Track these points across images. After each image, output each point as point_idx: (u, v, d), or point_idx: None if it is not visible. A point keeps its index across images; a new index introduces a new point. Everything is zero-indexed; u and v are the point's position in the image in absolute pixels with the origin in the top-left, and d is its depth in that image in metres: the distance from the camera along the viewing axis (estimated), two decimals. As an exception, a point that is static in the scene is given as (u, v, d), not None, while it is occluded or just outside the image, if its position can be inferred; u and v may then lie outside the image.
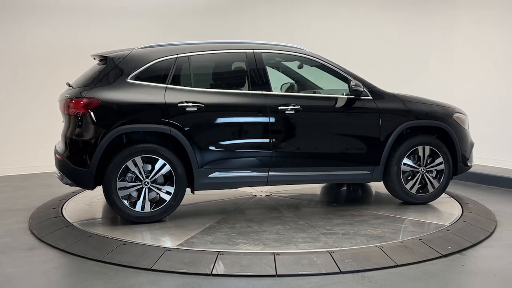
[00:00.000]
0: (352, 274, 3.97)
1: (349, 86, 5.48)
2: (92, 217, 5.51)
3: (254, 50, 5.48)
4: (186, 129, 5.05)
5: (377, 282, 3.82)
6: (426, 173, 5.72)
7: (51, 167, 5.43)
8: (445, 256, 4.36)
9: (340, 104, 5.51)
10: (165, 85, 5.12)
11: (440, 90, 8.05)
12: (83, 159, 4.94)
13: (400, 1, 8.75)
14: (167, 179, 5.10)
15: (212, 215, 5.45)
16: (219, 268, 4.01)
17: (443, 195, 5.98)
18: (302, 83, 6.24)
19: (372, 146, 5.55)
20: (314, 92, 6.04)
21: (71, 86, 5.29)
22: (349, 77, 5.57)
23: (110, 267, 4.12)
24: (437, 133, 5.85)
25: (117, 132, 4.92)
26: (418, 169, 5.69)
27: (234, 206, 5.86)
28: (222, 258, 4.12)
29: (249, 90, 5.37)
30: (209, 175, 5.18)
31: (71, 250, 4.48)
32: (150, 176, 5.03)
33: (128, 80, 5.07)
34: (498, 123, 7.74)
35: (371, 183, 6.22)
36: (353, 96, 5.50)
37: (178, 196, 5.11)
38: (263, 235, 4.71)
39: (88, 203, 6.05)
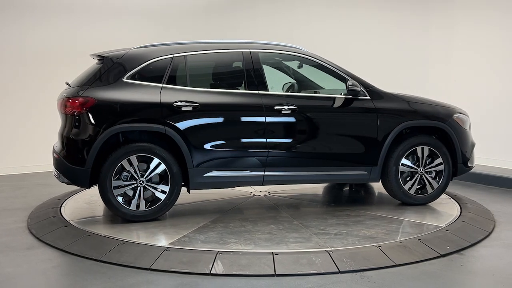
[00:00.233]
0: (350, 274, 3.97)
1: (346, 86, 5.48)
2: (91, 216, 5.50)
3: (251, 50, 5.48)
4: (181, 128, 5.07)
5: (376, 282, 3.82)
6: (425, 174, 5.70)
7: (50, 166, 5.43)
8: (444, 256, 4.36)
9: (337, 104, 5.51)
10: (161, 85, 5.14)
11: (439, 90, 8.05)
12: (78, 158, 4.99)
13: (400, 1, 8.76)
14: (163, 178, 5.13)
15: (208, 214, 5.46)
16: (218, 268, 4.01)
17: (442, 195, 5.97)
18: (302, 83, 6.25)
19: (369, 146, 5.54)
20: (315, 92, 6.04)
21: (70, 86, 5.31)
22: (346, 77, 5.56)
23: (109, 267, 4.12)
24: (437, 134, 5.84)
25: (112, 131, 4.96)
26: (417, 169, 5.67)
27: (231, 205, 5.86)
28: (220, 258, 4.13)
29: (245, 90, 5.37)
30: (205, 175, 5.19)
31: (69, 249, 4.48)
32: (145, 175, 5.06)
33: (124, 80, 5.11)
34: (496, 122, 7.74)
35: (373, 183, 6.21)
36: (350, 96, 5.50)
37: (173, 195, 5.13)
38: (255, 235, 4.72)
39: (87, 202, 6.04)
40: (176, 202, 5.31)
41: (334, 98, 5.55)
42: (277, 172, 5.37)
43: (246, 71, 5.40)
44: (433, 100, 5.97)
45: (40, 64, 8.50)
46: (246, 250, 4.30)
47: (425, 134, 5.75)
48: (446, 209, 5.70)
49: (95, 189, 5.27)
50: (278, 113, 5.29)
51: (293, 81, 6.27)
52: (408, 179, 5.69)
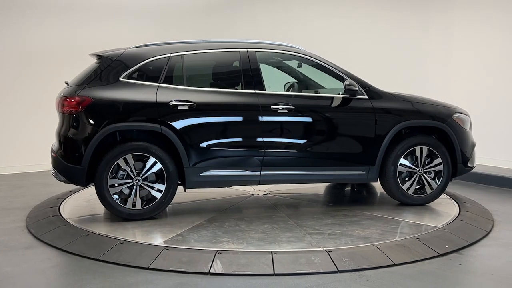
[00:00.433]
0: (349, 273, 3.97)
1: (343, 85, 5.47)
2: (90, 215, 5.49)
3: (248, 49, 5.48)
4: (177, 127, 5.08)
5: (375, 281, 3.82)
6: (423, 174, 5.67)
7: (48, 166, 5.44)
8: (443, 255, 4.36)
9: (334, 103, 5.50)
10: (157, 84, 5.16)
11: (438, 90, 8.06)
12: (75, 157, 5.03)
13: (399, 1, 8.76)
14: (159, 177, 5.15)
15: (204, 213, 5.47)
16: (217, 267, 4.01)
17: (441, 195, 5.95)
18: (303, 82, 6.24)
19: (367, 146, 5.52)
20: (316, 92, 6.03)
21: (69, 85, 5.32)
22: (344, 76, 5.55)
23: (108, 266, 4.12)
24: (437, 134, 5.82)
25: (108, 130, 4.98)
26: (416, 170, 5.65)
27: (228, 204, 5.86)
28: (219, 257, 4.13)
29: (242, 89, 5.37)
30: (201, 174, 5.20)
31: (68, 249, 4.48)
32: (141, 174, 5.08)
33: (121, 79, 5.14)
34: (495, 122, 7.75)
35: (376, 183, 6.19)
36: (348, 96, 5.49)
37: (169, 194, 5.15)
38: (249, 234, 4.72)
39: (87, 201, 6.04)
40: (175, 201, 5.31)
41: (332, 98, 5.54)
42: (273, 171, 5.37)
43: (243, 71, 5.40)
44: (433, 99, 5.95)
45: (40, 64, 8.49)
46: (244, 250, 4.30)
47: (425, 134, 5.72)
48: (445, 208, 5.70)
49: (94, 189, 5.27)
50: (275, 113, 5.29)
51: (294, 80, 6.26)
52: (407, 179, 5.66)
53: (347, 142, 5.53)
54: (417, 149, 5.63)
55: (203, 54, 5.48)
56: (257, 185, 5.48)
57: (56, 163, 5.22)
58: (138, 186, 5.09)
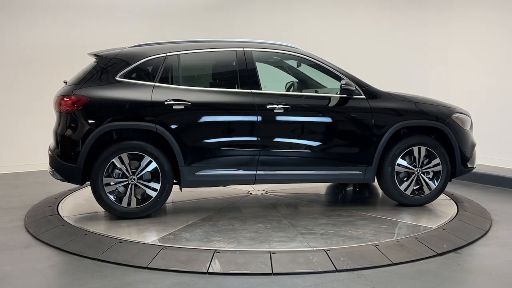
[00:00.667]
0: (347, 273, 3.97)
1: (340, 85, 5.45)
2: (88, 215, 5.49)
3: (245, 49, 5.48)
4: (172, 127, 5.09)
5: (373, 281, 3.83)
6: (421, 174, 5.64)
7: (46, 165, 5.45)
8: (441, 254, 4.37)
9: (331, 103, 5.48)
10: (153, 83, 5.18)
11: (437, 89, 8.06)
12: (71, 155, 5.07)
13: (397, 0, 8.76)
14: (154, 176, 5.17)
15: (199, 212, 5.47)
16: (215, 267, 4.01)
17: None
18: (302, 82, 6.23)
19: (364, 146, 5.50)
20: (316, 91, 6.02)
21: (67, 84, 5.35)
22: (341, 76, 5.53)
23: (106, 265, 4.12)
24: (436, 134, 5.79)
25: (103, 129, 5.02)
26: (413, 170, 5.63)
27: (225, 203, 5.87)
28: (218, 257, 4.13)
29: (238, 88, 5.38)
30: (196, 173, 5.20)
31: (67, 248, 4.48)
32: (137, 173, 5.10)
33: (117, 78, 5.17)
34: (493, 122, 7.76)
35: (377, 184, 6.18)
36: (344, 95, 5.48)
37: (164, 192, 5.16)
38: (241, 234, 4.72)
39: (84, 201, 6.03)
40: (175, 199, 5.30)
41: (329, 98, 5.53)
42: (269, 171, 5.37)
43: (239, 70, 5.40)
44: (432, 99, 5.91)
45: (38, 63, 8.48)
46: (242, 249, 4.29)
47: (423, 134, 5.68)
48: (443, 208, 5.70)
49: (92, 188, 5.27)
50: (271, 112, 5.29)
51: (294, 80, 6.26)
52: (405, 179, 5.65)
53: (344, 142, 5.52)
54: (415, 149, 5.60)
55: (199, 53, 5.49)
56: (253, 184, 5.47)
57: (53, 161, 5.26)
58: (133, 185, 5.10)
